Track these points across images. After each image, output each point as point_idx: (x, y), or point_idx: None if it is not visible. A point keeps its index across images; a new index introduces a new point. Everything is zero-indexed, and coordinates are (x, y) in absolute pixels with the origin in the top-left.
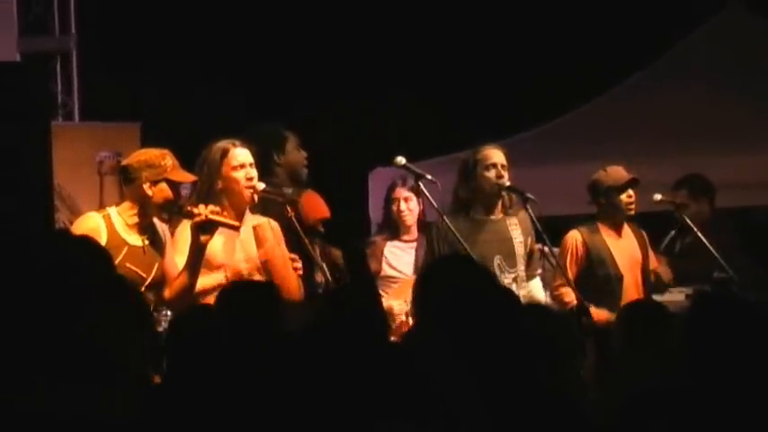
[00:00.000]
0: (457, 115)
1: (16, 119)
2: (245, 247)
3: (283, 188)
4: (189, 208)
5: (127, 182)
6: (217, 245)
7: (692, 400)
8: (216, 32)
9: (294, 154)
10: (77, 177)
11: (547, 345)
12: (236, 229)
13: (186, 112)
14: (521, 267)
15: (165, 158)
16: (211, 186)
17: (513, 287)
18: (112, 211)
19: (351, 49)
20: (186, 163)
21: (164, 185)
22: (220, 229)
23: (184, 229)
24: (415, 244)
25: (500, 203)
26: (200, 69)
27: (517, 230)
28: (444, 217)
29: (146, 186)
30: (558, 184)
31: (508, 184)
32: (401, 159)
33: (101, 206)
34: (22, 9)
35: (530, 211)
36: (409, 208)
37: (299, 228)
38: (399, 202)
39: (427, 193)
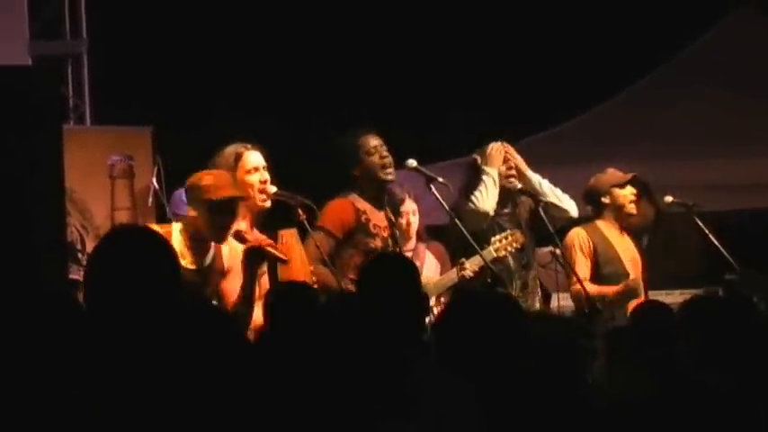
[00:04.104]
0: (464, 119)
1: (28, 123)
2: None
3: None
4: (241, 232)
5: None
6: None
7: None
8: (227, 36)
9: (367, 160)
10: (89, 181)
11: (551, 350)
12: (285, 262)
13: (198, 116)
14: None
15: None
16: None
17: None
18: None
19: (360, 52)
20: (198, 168)
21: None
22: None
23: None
24: (411, 254)
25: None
26: (211, 73)
27: None
28: (456, 220)
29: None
30: (567, 187)
31: (520, 186)
32: (412, 162)
33: (112, 209)
34: (33, 13)
35: (542, 212)
36: (416, 220)
37: (310, 231)
38: (408, 215)
39: (439, 196)
